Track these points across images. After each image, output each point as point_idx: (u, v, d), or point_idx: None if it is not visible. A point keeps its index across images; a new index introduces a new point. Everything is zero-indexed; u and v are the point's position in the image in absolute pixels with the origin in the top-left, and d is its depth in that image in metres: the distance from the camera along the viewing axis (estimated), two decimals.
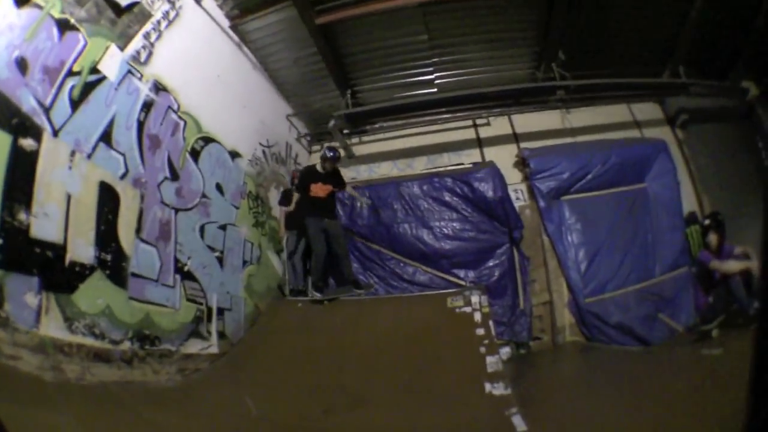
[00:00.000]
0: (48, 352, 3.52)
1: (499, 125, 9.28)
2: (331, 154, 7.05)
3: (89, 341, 3.95)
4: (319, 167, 7.20)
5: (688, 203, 8.48)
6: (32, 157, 3.59)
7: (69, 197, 3.93)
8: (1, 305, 3.22)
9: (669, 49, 8.56)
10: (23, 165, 3.50)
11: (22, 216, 3.45)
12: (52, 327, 3.62)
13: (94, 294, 4.11)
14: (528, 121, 9.17)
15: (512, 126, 9.23)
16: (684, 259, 7.77)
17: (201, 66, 6.19)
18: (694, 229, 8.09)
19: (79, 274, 3.98)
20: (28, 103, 3.57)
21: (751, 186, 8.36)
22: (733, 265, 5.96)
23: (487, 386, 4.22)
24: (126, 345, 4.38)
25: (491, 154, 9.02)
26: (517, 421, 3.57)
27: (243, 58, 7.56)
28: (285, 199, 8.07)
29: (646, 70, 8.69)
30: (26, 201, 3.50)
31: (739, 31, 8.24)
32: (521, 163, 8.67)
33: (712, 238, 6.43)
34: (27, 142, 3.54)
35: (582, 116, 9.17)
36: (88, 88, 4.22)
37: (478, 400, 4.05)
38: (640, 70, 8.59)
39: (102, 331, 4.12)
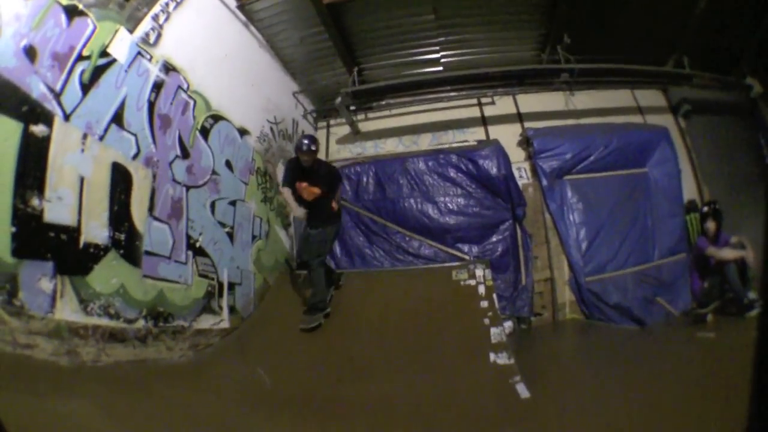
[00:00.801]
0: (63, 336, 3.47)
1: (503, 104, 9.16)
2: (306, 142, 5.61)
3: (104, 322, 3.91)
4: (302, 163, 5.79)
5: (689, 191, 8.49)
6: (44, 142, 3.49)
7: (82, 180, 3.84)
8: (16, 294, 3.16)
9: (674, 39, 8.44)
10: (35, 151, 3.41)
11: (35, 202, 3.36)
12: (67, 310, 3.57)
13: (109, 274, 4.06)
14: (532, 101, 9.04)
15: (516, 105, 9.12)
16: (683, 245, 7.80)
17: (209, 46, 6.03)
18: (693, 217, 8.10)
19: (93, 255, 3.91)
20: (38, 89, 3.46)
21: (750, 179, 8.55)
22: (728, 253, 6.01)
23: (492, 356, 4.27)
24: (140, 323, 4.35)
25: (495, 132, 8.93)
26: (521, 388, 3.62)
27: (250, 37, 7.36)
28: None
29: (651, 58, 8.55)
30: (39, 186, 3.41)
31: (746, 28, 8.16)
32: (525, 142, 8.61)
33: (710, 225, 6.48)
34: (38, 129, 3.43)
35: (586, 99, 9.06)
36: (98, 72, 4.08)
37: (483, 369, 4.10)
38: (644, 58, 8.43)
39: (117, 310, 4.09)
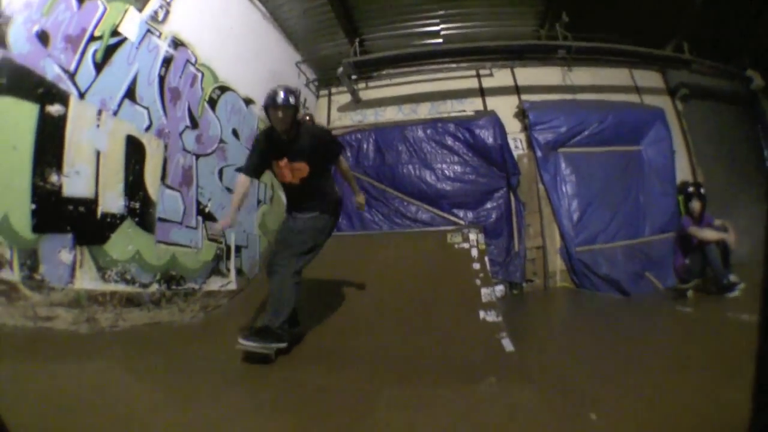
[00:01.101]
0: (82, 305, 3.64)
1: (501, 76, 9.03)
2: (282, 94, 3.44)
3: (121, 287, 4.08)
4: (278, 132, 3.60)
5: (683, 173, 8.47)
6: (60, 121, 3.59)
7: (98, 153, 3.95)
8: (36, 269, 3.30)
9: (676, 23, 8.32)
10: (52, 130, 3.52)
11: (53, 178, 3.49)
12: (86, 279, 3.73)
13: (125, 241, 4.21)
14: (530, 74, 8.96)
15: (514, 78, 9.01)
16: (673, 224, 7.68)
17: (215, 20, 5.98)
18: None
19: (110, 224, 4.07)
20: (52, 71, 3.53)
21: (745, 167, 8.62)
22: (710, 234, 5.98)
23: (481, 313, 4.36)
24: (154, 287, 4.53)
25: (493, 103, 8.85)
26: (506, 343, 3.73)
27: (254, 10, 7.27)
28: None
29: (650, 40, 8.41)
30: (57, 163, 3.54)
31: (750, 20, 8.05)
32: (521, 114, 8.57)
33: (695, 205, 6.38)
34: (54, 108, 3.53)
35: (583, 75, 8.97)
36: (110, 51, 4.12)
37: (473, 325, 4.20)
38: (644, 40, 8.32)
39: (133, 276, 4.26)
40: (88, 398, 2.27)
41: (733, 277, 5.70)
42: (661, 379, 2.77)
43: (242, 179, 3.80)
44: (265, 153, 3.72)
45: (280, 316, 3.38)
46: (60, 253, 3.52)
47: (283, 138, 3.58)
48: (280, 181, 3.87)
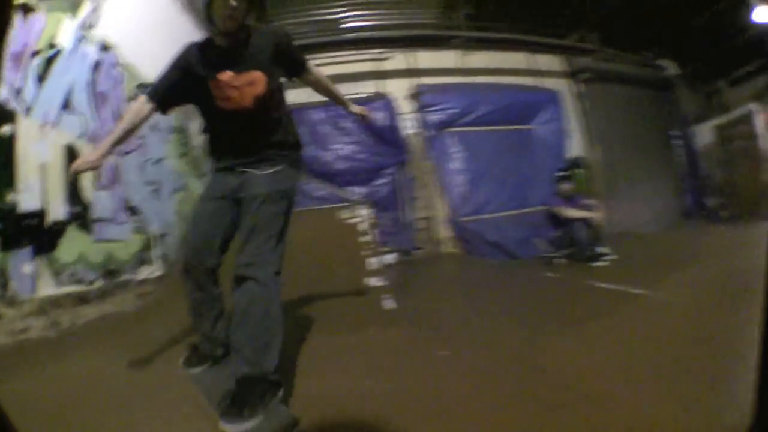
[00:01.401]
0: (47, 311, 3.75)
1: (399, 60, 9.34)
2: None
3: (73, 288, 4.19)
4: (217, 40, 2.33)
5: (579, 150, 9.35)
6: (11, 140, 3.59)
7: (43, 166, 3.96)
8: (6, 286, 3.39)
9: (585, 14, 9.03)
10: (6, 151, 3.54)
11: (10, 197, 3.54)
12: (46, 287, 3.83)
13: (71, 245, 4.26)
14: (428, 57, 9.31)
15: (412, 62, 9.32)
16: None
17: (139, 20, 5.88)
18: (578, 172, 8.70)
19: (58, 231, 4.11)
20: (2, 93, 3.51)
21: (647, 147, 9.49)
22: (571, 212, 6.59)
23: (369, 280, 4.93)
24: (98, 283, 4.62)
25: (390, 85, 9.22)
26: (389, 302, 4.35)
27: (173, 4, 7.09)
28: None
29: (554, 29, 9.11)
30: (12, 182, 3.57)
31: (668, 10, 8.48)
32: (414, 96, 9.02)
33: (565, 186, 6.90)
34: (5, 129, 3.53)
35: (482, 58, 9.39)
36: (49, 63, 4.07)
37: (360, 290, 4.76)
38: (547, 29, 8.98)
39: (81, 276, 4.35)
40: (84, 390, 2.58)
41: (602, 249, 6.33)
42: (506, 328, 3.55)
43: (139, 103, 2.47)
44: (187, 71, 2.39)
45: (270, 352, 2.04)
46: (23, 266, 3.59)
47: (224, 45, 2.32)
48: (216, 112, 2.38)
